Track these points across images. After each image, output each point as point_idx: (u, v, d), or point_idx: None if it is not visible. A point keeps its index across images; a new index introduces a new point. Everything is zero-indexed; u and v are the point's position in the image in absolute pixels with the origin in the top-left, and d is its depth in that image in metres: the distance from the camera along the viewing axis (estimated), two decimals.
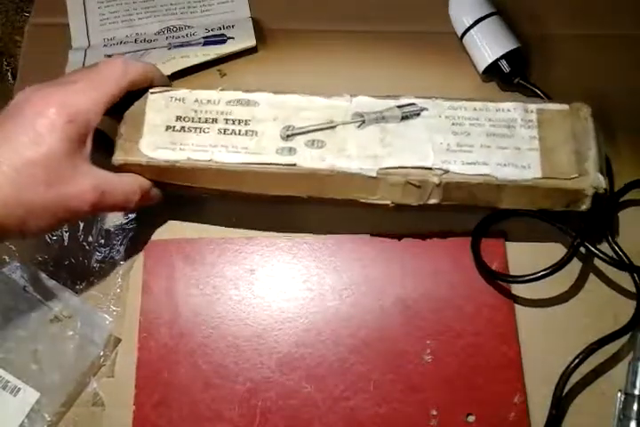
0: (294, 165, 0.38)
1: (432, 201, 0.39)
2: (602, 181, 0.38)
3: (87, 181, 0.36)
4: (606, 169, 0.40)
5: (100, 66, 0.38)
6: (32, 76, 0.49)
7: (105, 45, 0.49)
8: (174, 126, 0.40)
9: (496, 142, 0.39)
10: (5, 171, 0.34)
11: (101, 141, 0.40)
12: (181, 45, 0.49)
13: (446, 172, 0.38)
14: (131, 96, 0.40)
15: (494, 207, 0.40)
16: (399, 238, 0.43)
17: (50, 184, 0.34)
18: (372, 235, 0.43)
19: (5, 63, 0.60)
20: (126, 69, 0.38)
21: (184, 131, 0.40)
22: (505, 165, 0.39)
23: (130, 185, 0.39)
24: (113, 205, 0.38)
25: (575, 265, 0.42)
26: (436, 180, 0.38)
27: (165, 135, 0.40)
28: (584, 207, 0.39)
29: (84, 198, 0.36)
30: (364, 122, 0.40)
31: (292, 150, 0.39)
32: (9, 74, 0.59)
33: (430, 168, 0.38)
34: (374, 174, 0.38)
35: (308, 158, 0.39)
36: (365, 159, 0.39)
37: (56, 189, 0.35)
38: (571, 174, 0.38)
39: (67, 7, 0.51)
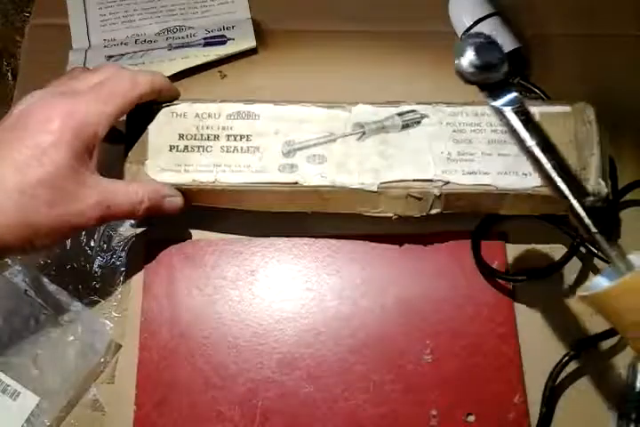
0: (296, 183, 0.39)
1: (434, 211, 0.39)
2: (603, 188, 0.38)
3: (92, 197, 0.35)
4: (610, 169, 0.40)
5: (106, 79, 0.37)
6: (32, 76, 0.49)
7: (105, 46, 0.49)
8: (177, 146, 0.40)
9: (497, 149, 0.39)
10: (9, 192, 0.32)
11: (117, 136, 0.40)
12: (182, 46, 0.49)
13: (447, 183, 0.38)
14: (138, 108, 0.39)
15: (495, 213, 0.40)
16: (400, 244, 0.43)
17: (54, 203, 0.33)
18: (372, 238, 0.43)
19: (5, 63, 0.60)
20: (134, 83, 0.37)
21: (187, 151, 0.40)
22: (506, 173, 0.38)
23: (136, 194, 0.37)
24: (119, 215, 0.37)
25: (575, 265, 0.42)
26: (436, 191, 0.38)
27: (169, 156, 0.40)
28: None
29: (89, 215, 0.35)
30: (364, 133, 0.40)
31: (293, 167, 0.39)
32: (9, 74, 0.59)
33: (431, 180, 0.38)
34: (375, 189, 0.39)
35: (309, 175, 0.39)
36: (366, 173, 0.39)
37: (61, 207, 0.34)
38: None
39: (67, 7, 0.51)
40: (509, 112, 0.29)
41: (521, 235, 0.43)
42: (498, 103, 0.29)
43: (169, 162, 0.40)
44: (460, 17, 0.47)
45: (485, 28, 0.46)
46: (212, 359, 0.40)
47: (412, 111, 0.40)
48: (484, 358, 0.40)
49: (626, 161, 0.45)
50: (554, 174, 0.28)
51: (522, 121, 0.28)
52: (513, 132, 0.29)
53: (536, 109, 0.40)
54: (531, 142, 0.28)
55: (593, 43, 0.49)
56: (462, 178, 0.38)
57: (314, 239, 0.43)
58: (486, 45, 0.29)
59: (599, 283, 0.28)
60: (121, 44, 0.49)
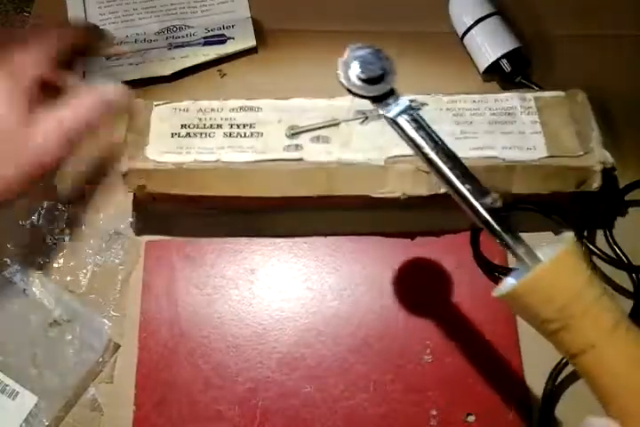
0: (301, 159, 0.39)
1: (443, 190, 0.39)
2: (608, 157, 0.39)
3: (45, 126, 0.32)
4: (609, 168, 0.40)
5: (31, 34, 0.35)
6: None
7: None
8: (179, 133, 0.40)
9: (499, 128, 0.40)
10: None
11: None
12: (181, 45, 0.49)
13: None
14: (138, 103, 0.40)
15: (508, 192, 0.40)
16: (400, 242, 0.42)
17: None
18: (372, 236, 0.43)
19: None
20: (60, 34, 0.35)
21: (189, 136, 0.40)
22: (510, 147, 0.39)
23: (89, 101, 0.33)
24: (81, 127, 0.33)
25: None
26: None
27: (171, 141, 0.40)
28: (595, 186, 0.39)
29: (49, 146, 0.32)
30: (366, 118, 0.40)
31: (298, 147, 0.39)
32: None
33: None
34: (382, 163, 0.39)
35: (314, 153, 0.39)
36: (371, 150, 0.39)
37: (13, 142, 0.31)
38: (577, 152, 0.39)
39: (67, 7, 0.51)
40: (402, 120, 0.28)
41: (521, 232, 0.42)
42: (391, 114, 0.28)
43: (171, 146, 0.40)
44: (460, 17, 0.47)
45: (485, 27, 0.46)
46: (211, 359, 0.40)
47: (412, 101, 0.41)
48: (484, 357, 0.40)
49: (626, 161, 0.44)
50: (452, 177, 0.27)
51: (415, 128, 0.28)
52: (408, 139, 0.28)
53: (531, 96, 0.41)
54: (427, 148, 0.28)
55: (593, 43, 0.49)
56: (469, 152, 0.39)
57: (313, 238, 0.43)
58: (370, 58, 0.29)
59: (509, 283, 0.27)
60: (121, 43, 0.49)
